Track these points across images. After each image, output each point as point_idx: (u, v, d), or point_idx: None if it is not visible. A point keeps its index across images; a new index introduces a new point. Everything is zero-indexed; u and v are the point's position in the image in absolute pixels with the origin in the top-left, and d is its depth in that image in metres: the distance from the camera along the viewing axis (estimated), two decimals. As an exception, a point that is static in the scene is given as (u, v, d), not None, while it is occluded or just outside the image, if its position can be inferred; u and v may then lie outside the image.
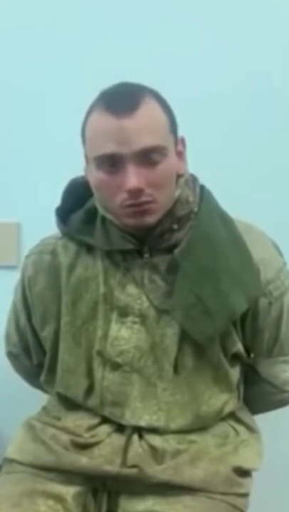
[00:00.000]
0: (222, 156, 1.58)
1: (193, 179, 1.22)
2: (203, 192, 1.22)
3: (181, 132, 1.19)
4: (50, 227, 1.28)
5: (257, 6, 1.56)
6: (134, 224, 1.13)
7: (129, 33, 1.58)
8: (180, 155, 1.18)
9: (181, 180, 1.17)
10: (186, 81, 1.55)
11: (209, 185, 1.24)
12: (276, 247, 1.26)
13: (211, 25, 1.57)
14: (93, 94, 1.15)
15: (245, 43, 1.57)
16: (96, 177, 1.14)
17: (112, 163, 1.10)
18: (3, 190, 1.68)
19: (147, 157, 1.09)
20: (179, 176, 1.16)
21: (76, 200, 1.25)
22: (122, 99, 1.10)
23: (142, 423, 1.19)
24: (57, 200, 1.27)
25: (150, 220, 1.13)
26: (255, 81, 1.57)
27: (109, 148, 1.09)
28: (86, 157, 1.17)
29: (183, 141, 1.20)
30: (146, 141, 1.08)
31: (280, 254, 1.26)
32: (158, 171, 1.10)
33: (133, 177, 1.08)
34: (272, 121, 1.59)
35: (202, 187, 1.23)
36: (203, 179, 1.24)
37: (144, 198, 1.10)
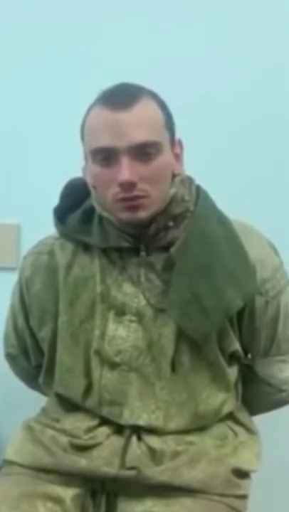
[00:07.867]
0: (221, 158, 1.58)
1: (190, 179, 1.22)
2: (200, 191, 1.22)
3: (179, 134, 1.19)
4: (49, 229, 1.28)
5: (259, 7, 1.57)
6: (127, 219, 1.14)
7: (130, 33, 1.59)
8: (177, 157, 1.19)
9: (177, 179, 1.18)
10: (186, 82, 1.56)
11: (208, 187, 1.24)
12: (273, 248, 1.26)
13: (212, 27, 1.57)
14: (93, 96, 1.15)
15: (246, 44, 1.57)
16: (92, 171, 1.15)
17: (107, 156, 1.11)
18: (3, 191, 1.69)
19: (142, 152, 1.10)
20: (174, 176, 1.17)
21: (74, 201, 1.26)
22: (120, 95, 1.12)
23: (141, 422, 1.18)
24: (56, 202, 1.27)
25: (143, 214, 1.13)
26: (255, 82, 1.57)
27: (105, 141, 1.10)
28: (84, 154, 1.18)
29: (180, 143, 1.20)
30: (141, 135, 1.09)
31: (277, 254, 1.26)
32: (152, 167, 1.11)
33: (126, 170, 1.09)
34: (272, 122, 1.59)
35: (198, 187, 1.23)
36: (202, 180, 1.24)
37: (136, 193, 1.11)
